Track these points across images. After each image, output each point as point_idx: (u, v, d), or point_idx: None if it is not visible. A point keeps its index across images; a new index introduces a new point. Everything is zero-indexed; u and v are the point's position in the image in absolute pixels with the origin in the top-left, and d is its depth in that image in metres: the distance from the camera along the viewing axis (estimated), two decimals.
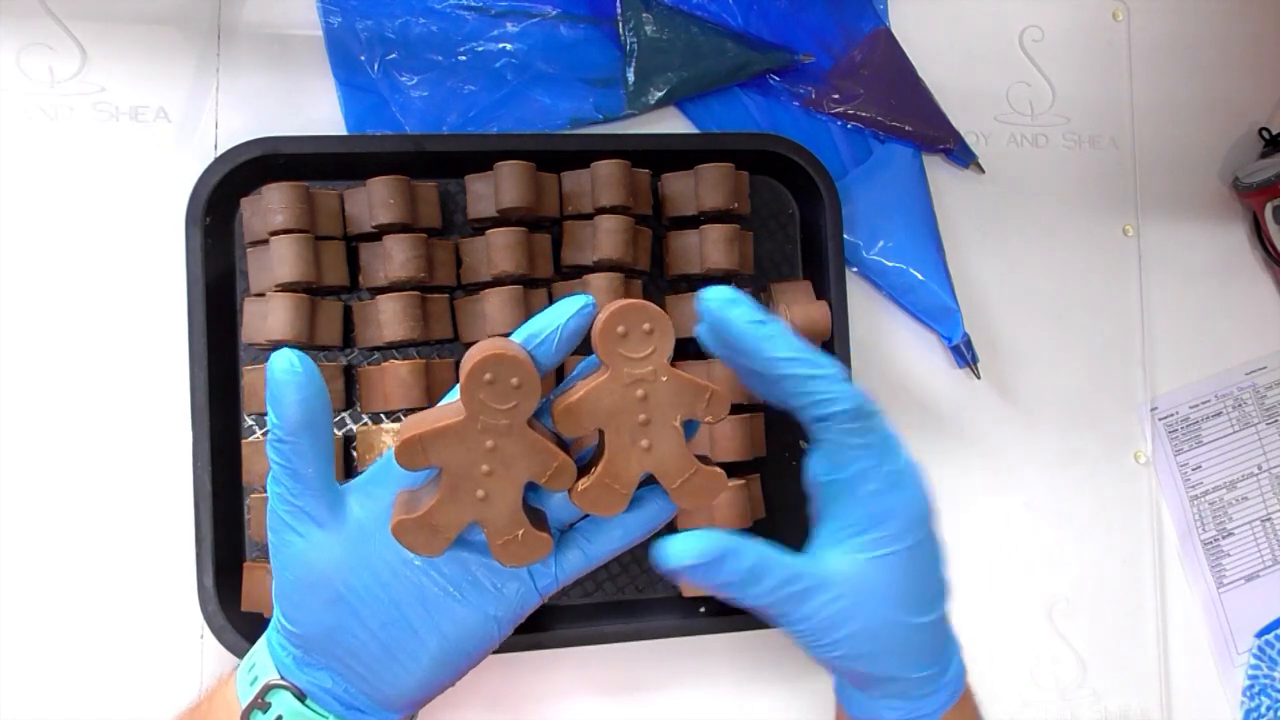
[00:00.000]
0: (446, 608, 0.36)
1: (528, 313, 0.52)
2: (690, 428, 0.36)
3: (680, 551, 0.33)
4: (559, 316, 0.34)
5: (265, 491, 0.37)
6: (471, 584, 0.36)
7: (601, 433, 0.35)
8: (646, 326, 0.33)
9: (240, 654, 0.49)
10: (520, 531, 0.34)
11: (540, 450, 0.34)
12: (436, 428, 0.33)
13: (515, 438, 0.33)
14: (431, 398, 0.51)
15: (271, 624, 0.37)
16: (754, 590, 0.34)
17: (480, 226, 0.54)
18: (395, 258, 0.50)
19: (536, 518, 0.36)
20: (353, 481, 0.37)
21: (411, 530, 0.34)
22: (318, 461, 0.35)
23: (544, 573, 0.37)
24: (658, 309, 0.34)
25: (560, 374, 0.50)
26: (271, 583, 0.36)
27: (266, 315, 0.50)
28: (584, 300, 0.35)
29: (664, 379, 0.34)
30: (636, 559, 0.56)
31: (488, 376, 0.32)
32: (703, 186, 0.54)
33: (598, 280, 0.52)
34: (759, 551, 0.34)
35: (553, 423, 0.34)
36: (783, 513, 0.57)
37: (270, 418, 0.35)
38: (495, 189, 0.52)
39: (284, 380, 0.35)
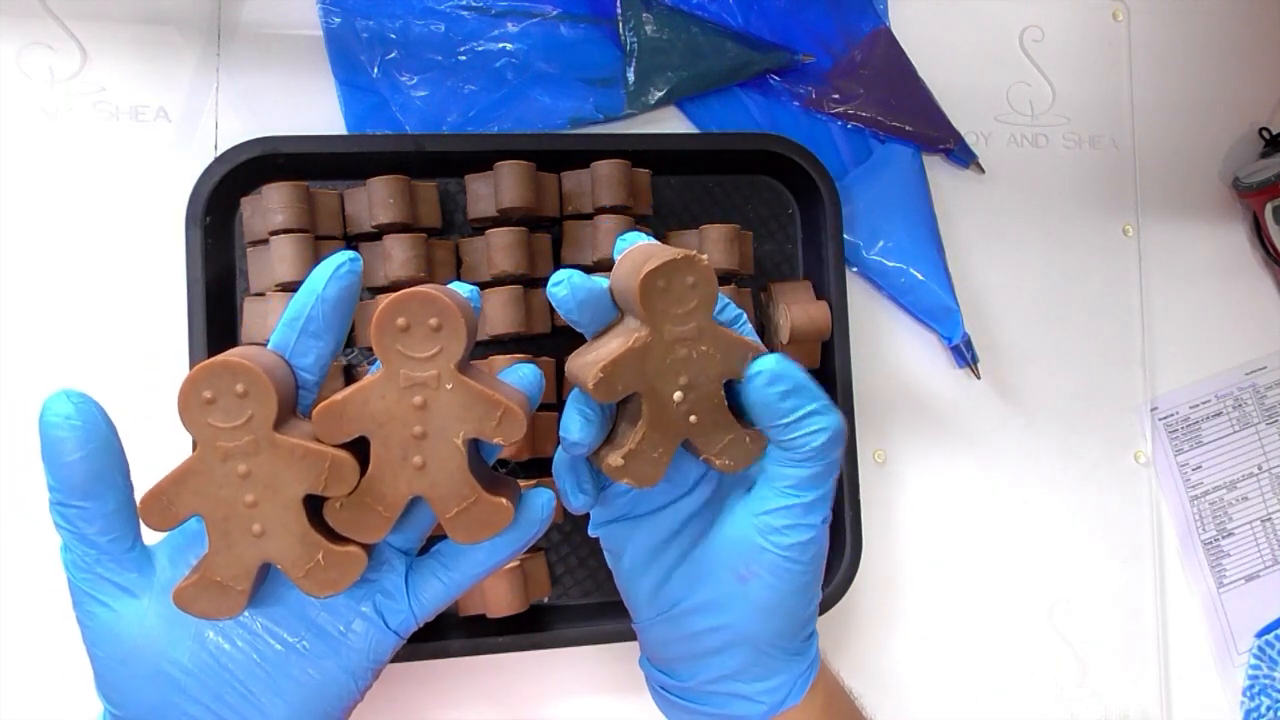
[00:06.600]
0: (288, 666, 0.31)
1: (528, 313, 0.52)
2: (490, 452, 0.32)
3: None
4: (316, 284, 0.30)
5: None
6: (314, 632, 0.31)
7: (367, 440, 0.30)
8: (433, 322, 0.29)
9: None
10: (320, 554, 0.29)
11: (302, 456, 0.28)
12: (174, 474, 0.28)
13: (268, 453, 0.28)
14: None
15: (103, 710, 0.33)
16: None
17: (480, 226, 0.54)
18: (395, 257, 0.50)
19: (334, 532, 0.31)
20: (163, 539, 0.32)
21: (195, 594, 0.29)
22: (113, 523, 0.30)
23: (395, 609, 0.32)
24: (450, 302, 0.29)
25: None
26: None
27: (266, 315, 0.49)
28: (342, 258, 0.30)
29: (449, 386, 0.29)
30: None
31: (206, 394, 0.28)
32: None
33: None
34: None
35: (312, 425, 0.30)
36: None
37: (46, 477, 0.29)
38: (495, 189, 0.52)
39: (59, 435, 0.29)
